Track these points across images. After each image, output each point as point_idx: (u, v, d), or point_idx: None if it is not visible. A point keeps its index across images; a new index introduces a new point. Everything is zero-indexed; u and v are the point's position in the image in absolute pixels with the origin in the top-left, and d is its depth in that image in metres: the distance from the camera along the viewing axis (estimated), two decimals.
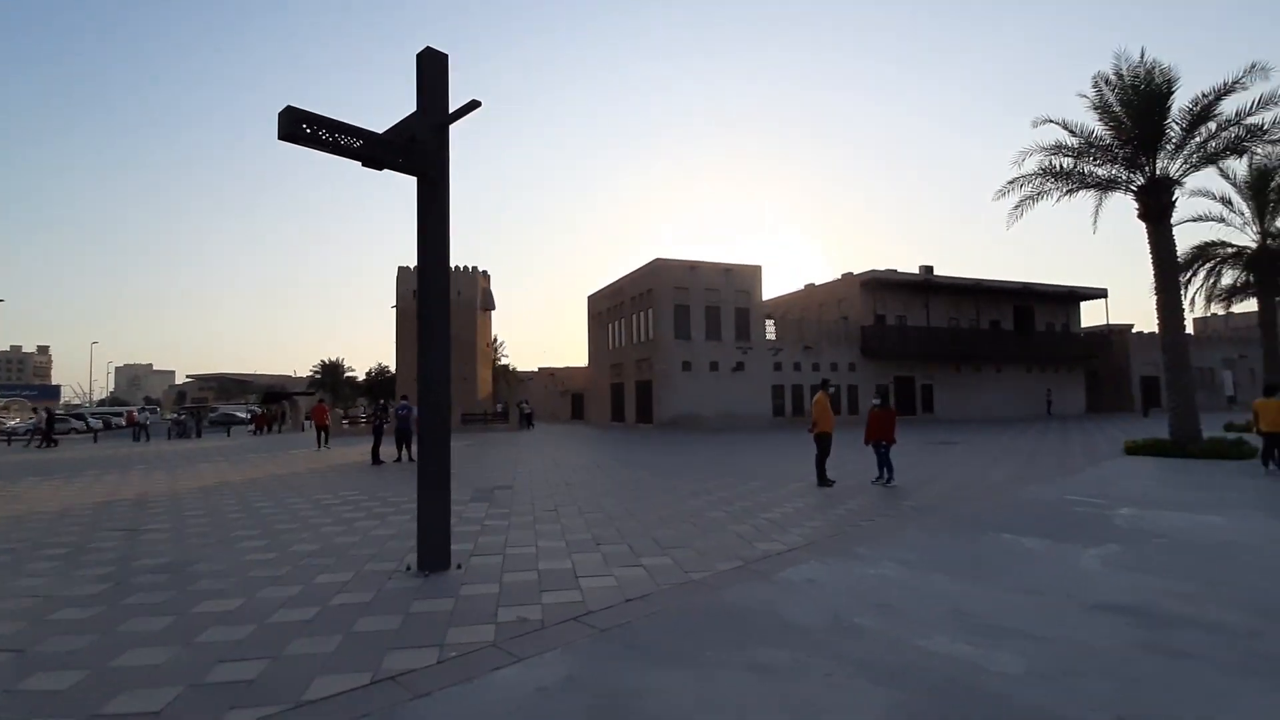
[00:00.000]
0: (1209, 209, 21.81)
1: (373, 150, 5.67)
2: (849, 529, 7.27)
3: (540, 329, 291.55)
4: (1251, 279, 23.27)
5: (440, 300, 5.85)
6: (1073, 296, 44.36)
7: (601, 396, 41.45)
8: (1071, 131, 15.69)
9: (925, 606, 4.48)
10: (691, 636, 4.01)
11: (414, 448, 17.03)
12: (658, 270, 33.71)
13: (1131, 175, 15.77)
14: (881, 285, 38.38)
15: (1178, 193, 15.43)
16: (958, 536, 6.77)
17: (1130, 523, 7.18)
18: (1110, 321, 47.75)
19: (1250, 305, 25.47)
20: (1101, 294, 44.10)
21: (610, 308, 40.11)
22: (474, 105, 5.46)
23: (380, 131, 5.96)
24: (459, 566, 5.72)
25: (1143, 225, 15.71)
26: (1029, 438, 21.97)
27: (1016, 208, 16.98)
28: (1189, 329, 34.71)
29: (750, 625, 4.19)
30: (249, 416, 45.74)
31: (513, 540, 6.91)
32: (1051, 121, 15.79)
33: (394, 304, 39.69)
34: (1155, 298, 15.51)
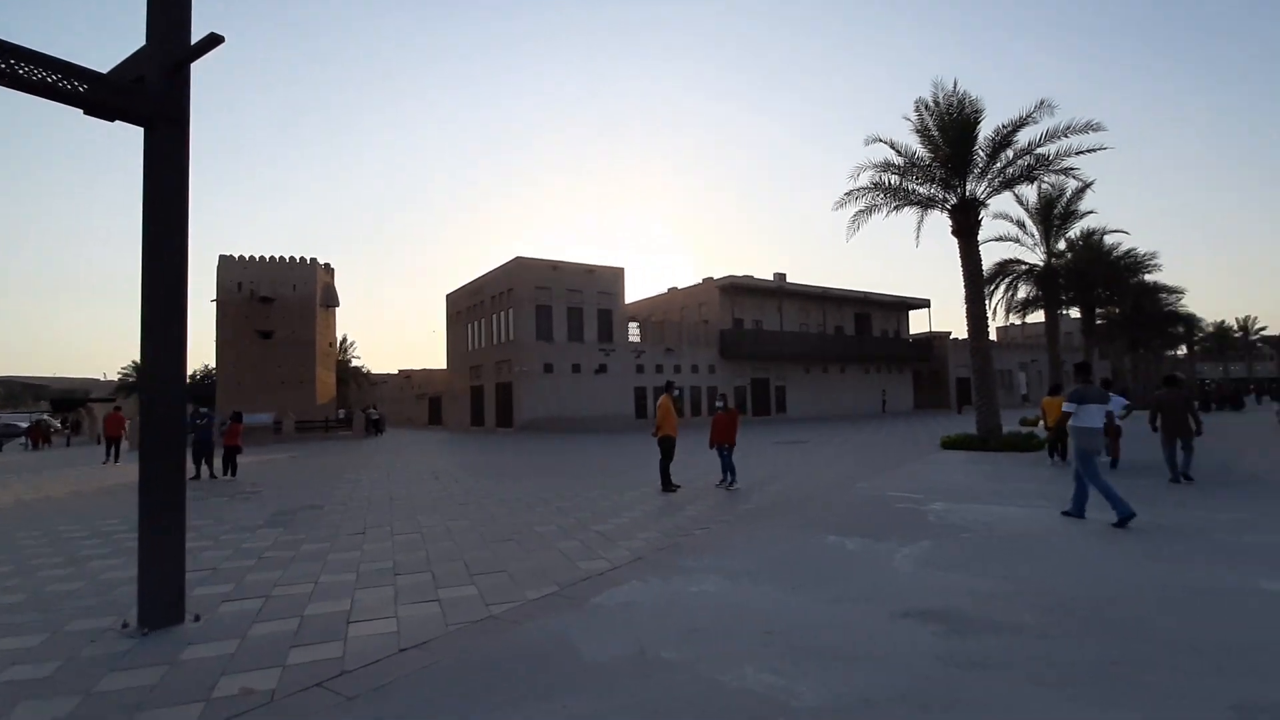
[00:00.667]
0: (1008, 230, 24.70)
1: (93, 92, 4.40)
2: (681, 539, 6.94)
3: (402, 330, 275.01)
4: (1039, 293, 26.79)
5: (173, 281, 4.65)
6: (903, 305, 49.10)
7: (460, 399, 39.41)
8: (898, 151, 16.95)
9: (738, 628, 4.12)
10: (463, 695, 3.31)
11: (215, 463, 14.74)
12: (518, 269, 32.56)
13: (946, 195, 17.33)
14: (739, 290, 39.96)
15: (983, 213, 17.18)
16: (784, 542, 6.65)
17: (941, 518, 7.50)
18: (933, 329, 53.48)
19: (1040, 315, 29.47)
20: (925, 304, 49.21)
21: (469, 307, 38.24)
22: (215, 40, 4.37)
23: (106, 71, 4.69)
24: (196, 618, 4.57)
25: (955, 241, 17.31)
26: (865, 434, 23.66)
27: (854, 220, 18.08)
28: (993, 336, 39.29)
29: (542, 671, 3.57)
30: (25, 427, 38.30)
31: (290, 576, 5.79)
32: (881, 141, 16.97)
33: (214, 297, 34.96)
34: (965, 307, 17.13)
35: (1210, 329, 70.25)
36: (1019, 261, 26.19)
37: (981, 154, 16.38)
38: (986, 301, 24.01)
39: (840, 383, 44.58)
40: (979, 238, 17.26)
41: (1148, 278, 34.31)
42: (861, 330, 46.55)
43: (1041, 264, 26.13)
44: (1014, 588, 4.81)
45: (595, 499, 9.83)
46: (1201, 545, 5.89)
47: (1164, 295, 38.89)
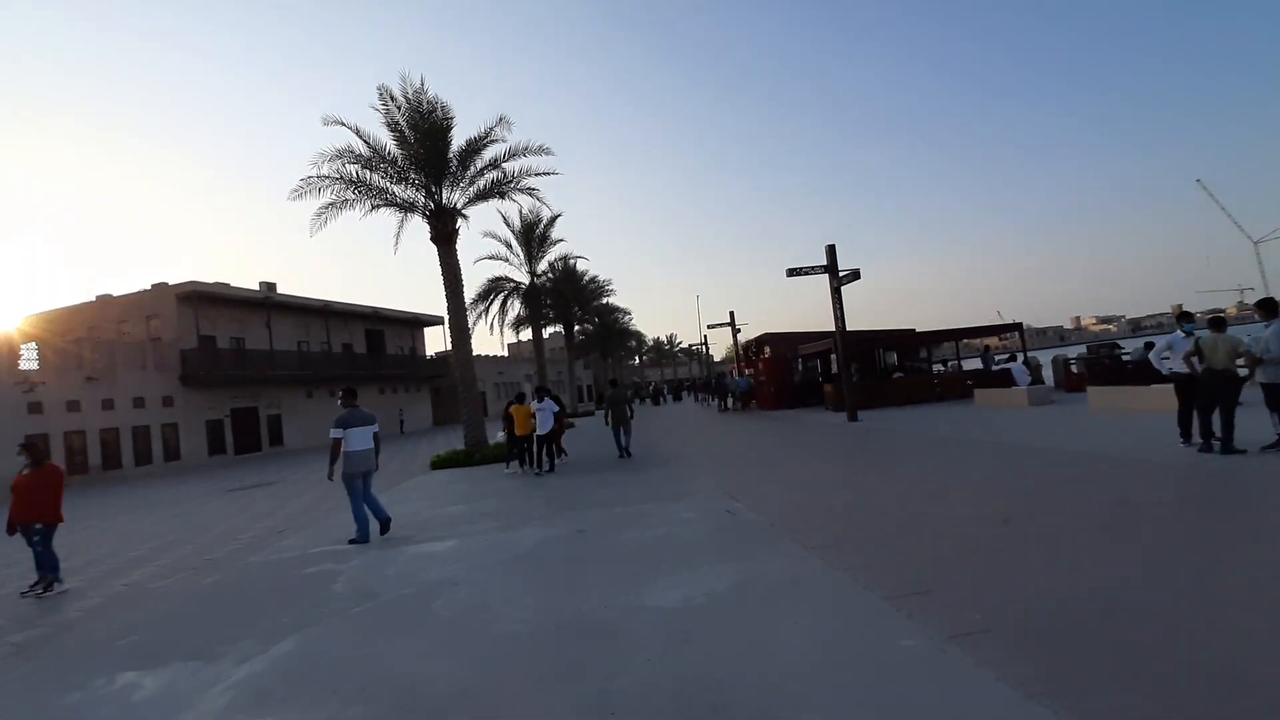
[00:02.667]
0: (499, 249, 25.74)
1: None
2: None
3: None
4: (526, 310, 29.19)
5: None
6: (417, 322, 48.29)
7: None
8: (365, 140, 15.10)
9: None
10: None
11: None
12: None
13: (426, 200, 16.40)
14: (208, 300, 31.94)
15: (463, 223, 16.85)
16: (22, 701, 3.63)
17: (352, 583, 5.62)
18: (449, 344, 54.47)
19: (544, 330, 32.36)
20: (439, 320, 49.63)
21: None
22: None
23: None
24: None
25: (435, 249, 16.49)
26: None
27: (320, 214, 15.37)
28: (503, 350, 40.95)
29: None
30: None
31: None
32: (343, 125, 14.83)
33: None
34: (448, 318, 16.46)
35: (652, 342, 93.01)
36: (508, 279, 28.01)
37: (455, 162, 15.95)
38: (483, 316, 24.29)
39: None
40: (468, 252, 16.90)
41: (608, 300, 41.91)
42: (375, 348, 43.67)
43: (527, 283, 28.56)
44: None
45: None
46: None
47: (620, 314, 48.43)
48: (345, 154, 14.83)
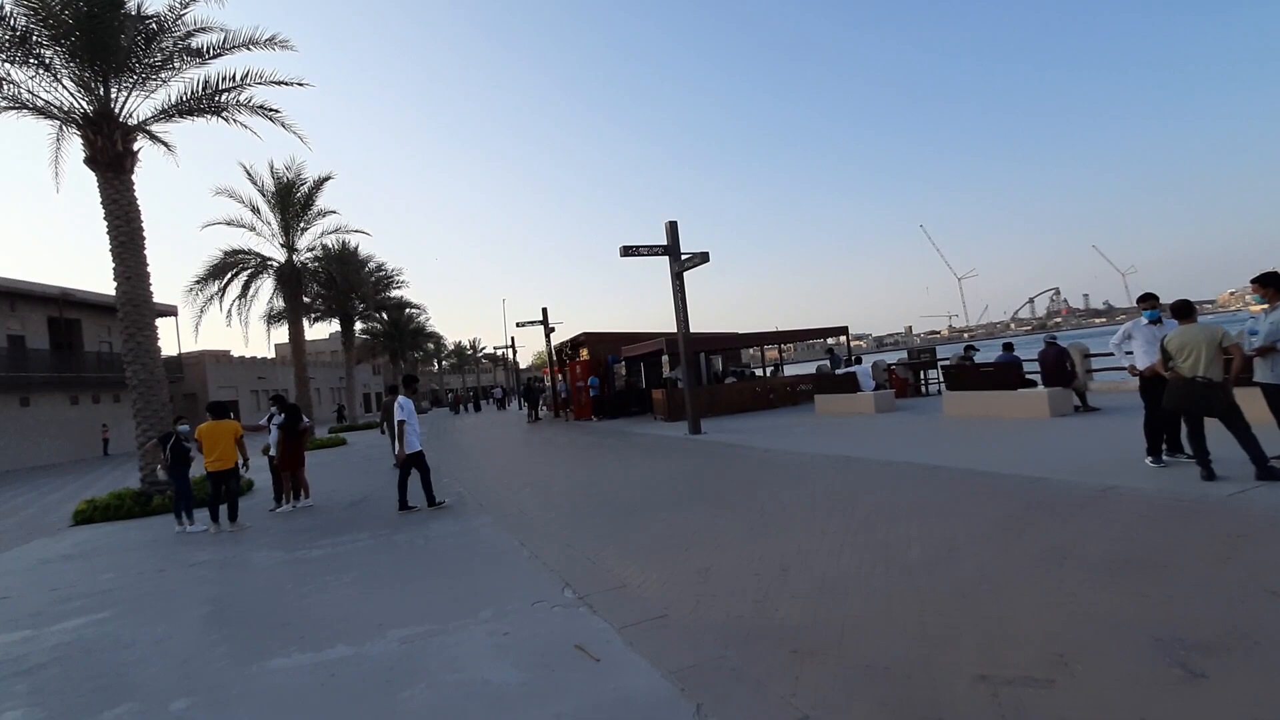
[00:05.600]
0: (240, 214, 19.18)
1: None
2: None
3: None
4: (283, 297, 22.71)
5: None
6: None
7: None
8: None
9: None
10: None
11: None
12: None
13: (82, 101, 10.48)
14: None
15: (144, 143, 11.15)
16: None
17: None
18: (199, 345, 43.37)
19: (323, 329, 25.40)
20: (171, 311, 38.94)
21: None
22: None
23: None
24: None
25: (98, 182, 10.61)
26: None
27: None
28: (269, 352, 32.65)
29: None
30: None
31: None
32: None
33: None
34: (116, 282, 10.67)
35: (453, 346, 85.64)
36: (253, 253, 21.35)
37: (129, 40, 10.29)
38: (215, 301, 18.08)
39: (24, 421, 29.42)
40: (132, 171, 11.15)
41: (396, 293, 35.83)
42: (64, 344, 32.36)
43: (283, 260, 22.10)
44: None
45: None
46: None
47: (413, 310, 42.20)
48: None
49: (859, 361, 15.06)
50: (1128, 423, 8.86)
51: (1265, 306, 5.45)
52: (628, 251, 13.38)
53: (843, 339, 21.38)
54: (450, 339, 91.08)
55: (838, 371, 15.35)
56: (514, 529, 6.53)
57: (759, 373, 23.54)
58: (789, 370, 22.75)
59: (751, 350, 27.97)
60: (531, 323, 31.15)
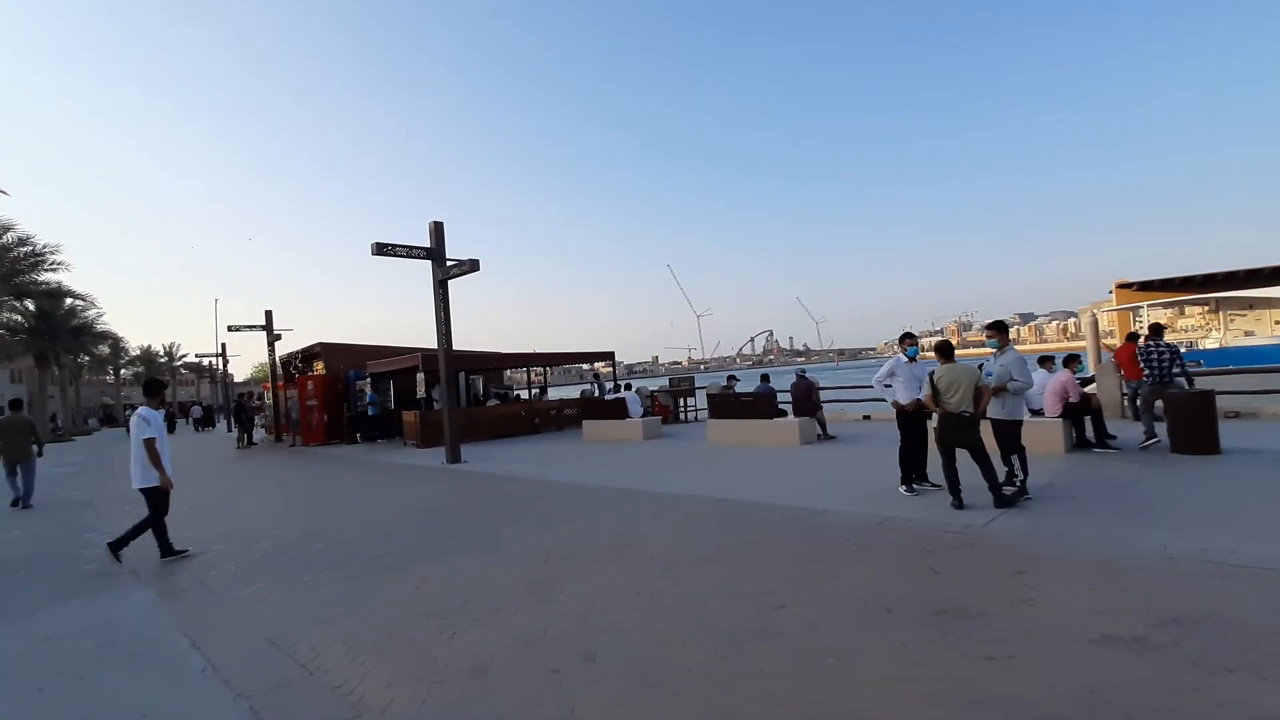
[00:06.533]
0: None
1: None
2: None
3: None
4: None
5: None
6: None
7: None
8: None
9: None
10: None
11: None
12: None
13: None
14: None
15: None
16: None
17: None
18: None
19: None
20: None
21: None
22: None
23: None
24: None
25: None
26: None
27: None
28: None
29: None
30: None
31: None
32: None
33: None
34: None
35: (139, 352, 68.81)
36: None
37: None
38: None
39: None
40: None
41: (52, 277, 27.26)
42: None
43: None
44: None
45: None
46: None
47: (77, 301, 32.61)
48: None
49: (629, 387, 14.95)
50: (861, 450, 9.83)
51: (996, 350, 6.16)
52: (382, 250, 11.41)
53: (608, 364, 21.50)
54: (135, 343, 73.39)
55: (608, 397, 15.05)
56: (187, 614, 4.50)
57: (522, 395, 22.51)
58: (552, 394, 22.10)
59: (509, 372, 26.86)
60: (249, 327, 26.02)
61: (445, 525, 6.78)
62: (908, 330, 7.05)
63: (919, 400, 6.30)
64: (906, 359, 6.58)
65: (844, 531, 5.19)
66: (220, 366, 42.25)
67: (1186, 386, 8.34)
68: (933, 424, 5.79)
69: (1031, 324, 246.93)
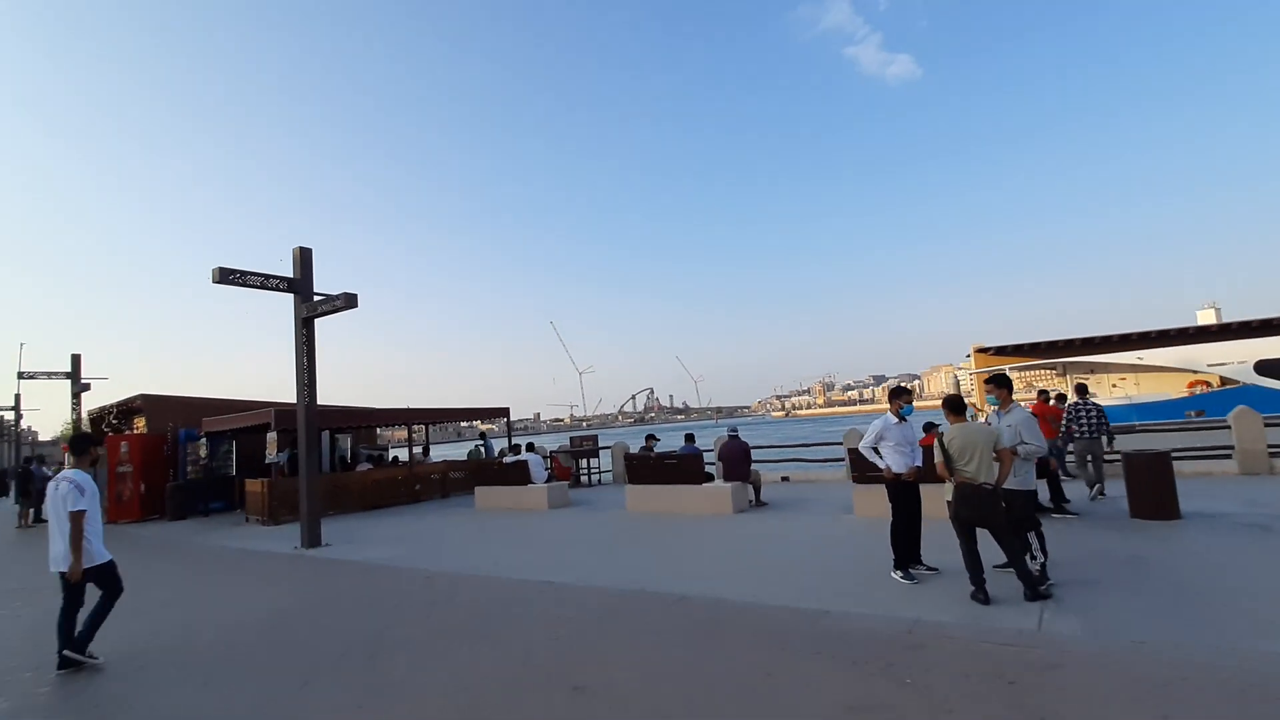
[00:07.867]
0: None
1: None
2: None
3: None
4: None
5: None
6: None
7: None
8: None
9: None
10: None
11: None
12: None
13: None
14: None
15: None
16: None
17: None
18: None
19: None
20: None
21: None
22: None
23: None
24: None
25: None
26: None
27: None
28: None
29: None
30: None
31: None
32: None
33: None
34: None
35: None
36: None
37: None
38: None
39: None
40: None
41: None
42: None
43: None
44: None
45: None
46: None
47: None
48: None
49: (530, 447, 13.15)
50: (806, 520, 8.79)
51: (997, 408, 5.36)
52: (229, 277, 9.11)
53: (490, 423, 19.50)
54: None
55: (508, 459, 13.14)
56: None
57: (400, 457, 19.75)
58: (435, 453, 19.55)
59: (382, 429, 23.92)
60: (49, 374, 21.35)
61: (297, 657, 4.72)
62: (900, 384, 6.18)
63: (918, 468, 5.32)
64: (897, 419, 5.60)
65: (875, 648, 3.92)
66: (15, 420, 34.45)
67: (1107, 443, 8.84)
68: (946, 496, 4.78)
69: (884, 385, 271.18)
